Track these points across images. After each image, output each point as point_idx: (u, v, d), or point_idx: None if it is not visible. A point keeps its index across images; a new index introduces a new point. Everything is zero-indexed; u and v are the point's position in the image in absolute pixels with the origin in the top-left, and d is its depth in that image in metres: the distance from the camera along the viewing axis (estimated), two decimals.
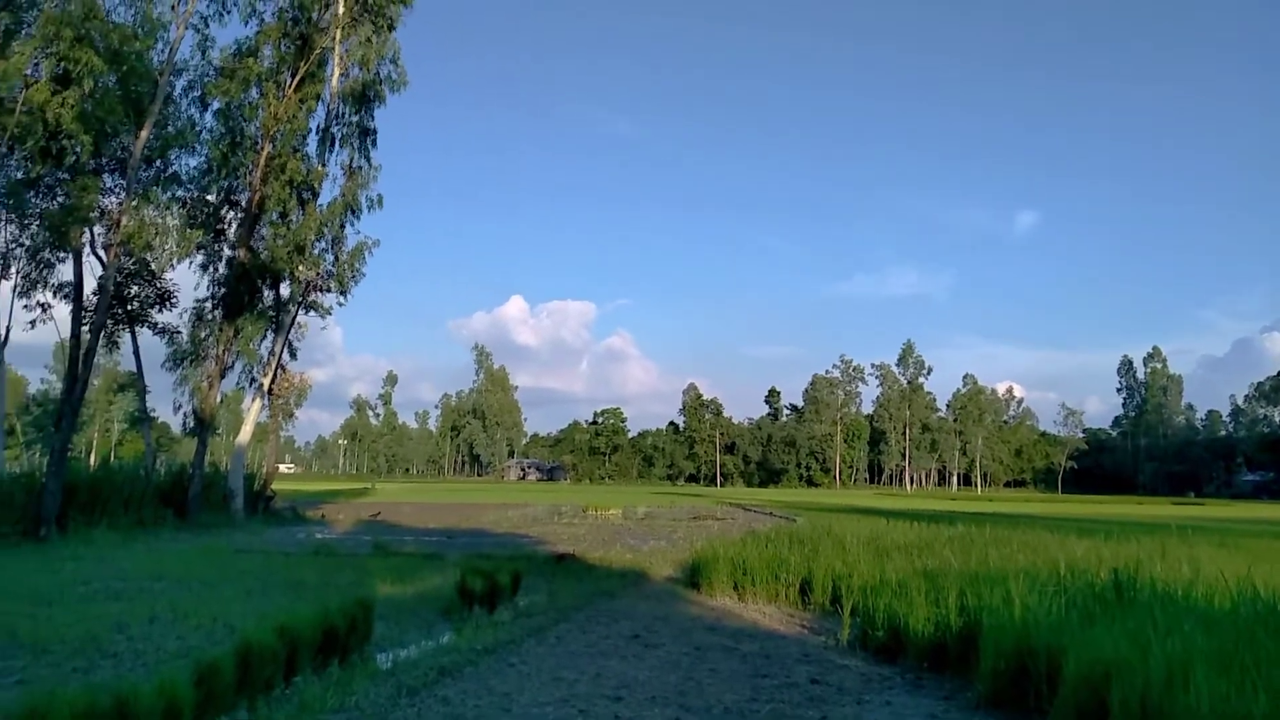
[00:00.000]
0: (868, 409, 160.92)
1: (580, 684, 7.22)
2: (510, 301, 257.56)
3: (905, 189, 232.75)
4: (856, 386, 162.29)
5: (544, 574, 14.30)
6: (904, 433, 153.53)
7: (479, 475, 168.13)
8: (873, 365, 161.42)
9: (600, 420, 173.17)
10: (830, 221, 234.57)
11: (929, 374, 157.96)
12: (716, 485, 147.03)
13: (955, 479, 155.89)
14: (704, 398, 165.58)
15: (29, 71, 18.97)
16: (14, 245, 24.26)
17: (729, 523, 30.22)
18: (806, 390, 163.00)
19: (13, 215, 22.52)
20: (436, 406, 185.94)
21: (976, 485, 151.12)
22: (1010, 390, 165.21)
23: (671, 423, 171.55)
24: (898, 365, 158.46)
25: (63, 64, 18.71)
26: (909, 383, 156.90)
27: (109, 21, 20.29)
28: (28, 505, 20.20)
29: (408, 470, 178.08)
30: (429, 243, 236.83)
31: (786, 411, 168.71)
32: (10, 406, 41.93)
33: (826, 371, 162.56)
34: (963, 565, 11.31)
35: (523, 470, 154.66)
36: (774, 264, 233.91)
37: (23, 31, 19.03)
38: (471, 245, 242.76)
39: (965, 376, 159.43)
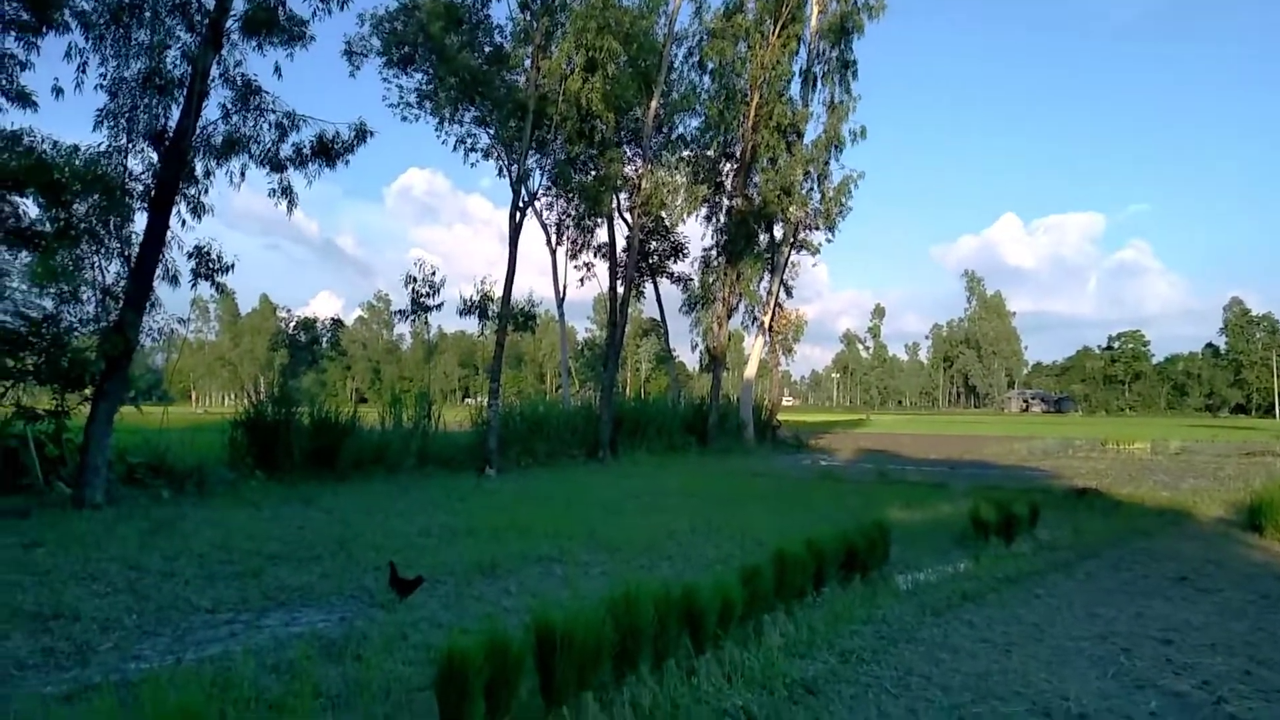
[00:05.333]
0: None
1: (1119, 622, 6.66)
2: (1000, 220, 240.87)
3: None
4: None
5: (1063, 508, 13.35)
6: None
7: (976, 407, 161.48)
8: None
9: (1116, 345, 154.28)
10: None
11: None
12: (1276, 416, 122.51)
13: None
14: (1252, 314, 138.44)
15: (564, 65, 22.28)
16: (564, 217, 29.04)
17: None
18: None
19: (560, 191, 26.82)
20: (926, 337, 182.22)
21: None
22: None
23: (1209, 345, 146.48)
24: None
25: (590, 53, 21.66)
26: None
27: (620, 6, 22.98)
28: (587, 433, 24.31)
29: (900, 403, 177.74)
30: (907, 168, 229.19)
31: None
32: (570, 352, 50.38)
33: None
34: None
35: (1025, 402, 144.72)
36: None
37: (558, 32, 22.36)
38: (953, 165, 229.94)
39: None
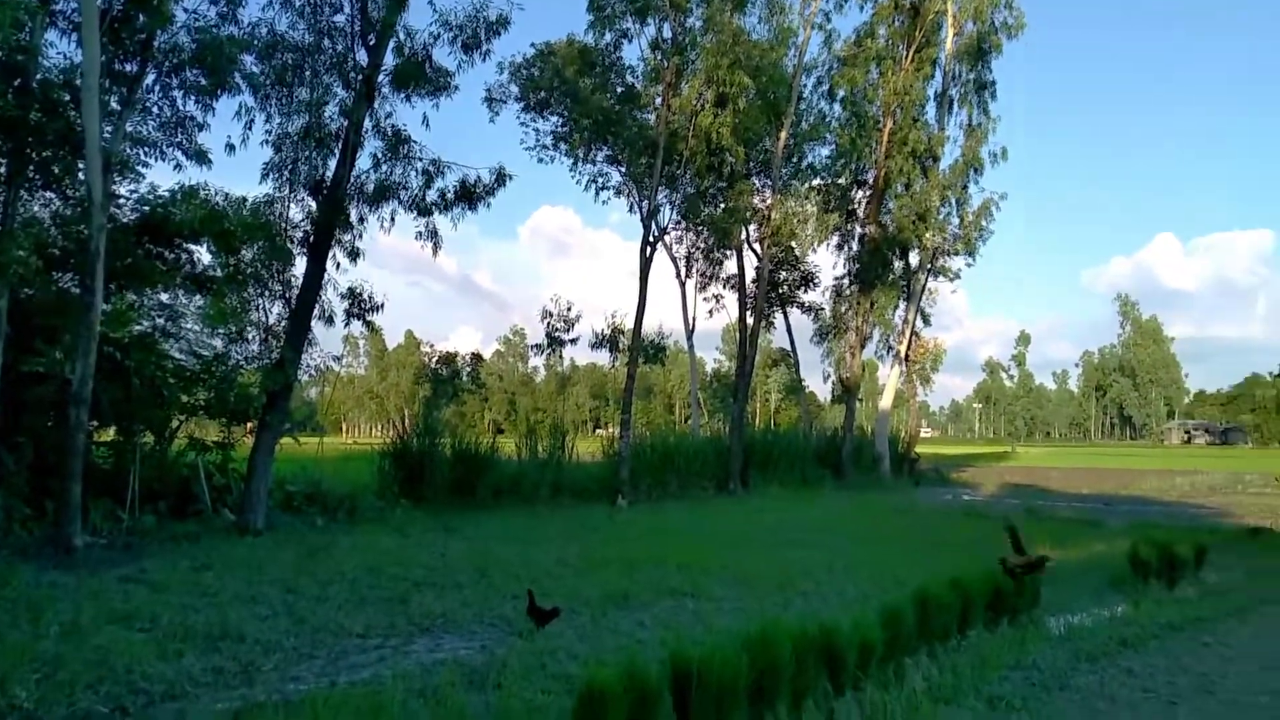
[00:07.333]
0: None
1: None
2: (1156, 241, 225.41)
3: None
4: None
5: (1234, 549, 12.37)
6: None
7: (1131, 439, 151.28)
8: None
9: None
10: None
11: None
12: None
13: None
14: None
15: (695, 101, 22.55)
16: (693, 249, 29.23)
17: None
18: None
19: (689, 224, 27.02)
20: (1076, 365, 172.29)
21: None
22: None
23: None
24: None
25: (720, 88, 21.84)
26: None
27: (750, 41, 23.11)
28: (717, 465, 24.19)
29: (1048, 434, 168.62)
30: (1053, 189, 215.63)
31: None
32: (699, 383, 50.43)
33: None
34: None
35: (1187, 433, 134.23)
36: None
37: (688, 69, 22.66)
38: (1103, 183, 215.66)
39: None
